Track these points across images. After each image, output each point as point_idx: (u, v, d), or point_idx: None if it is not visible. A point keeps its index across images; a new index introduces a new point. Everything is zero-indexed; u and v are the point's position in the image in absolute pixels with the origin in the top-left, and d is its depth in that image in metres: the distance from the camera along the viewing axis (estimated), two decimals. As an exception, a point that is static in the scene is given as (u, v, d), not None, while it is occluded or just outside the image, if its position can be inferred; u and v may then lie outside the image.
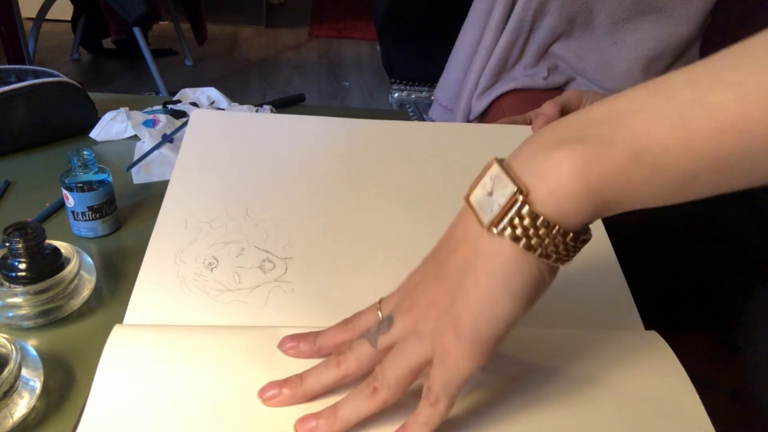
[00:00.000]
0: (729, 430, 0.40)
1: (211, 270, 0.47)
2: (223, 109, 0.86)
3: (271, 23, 3.43)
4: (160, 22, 2.76)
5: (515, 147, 0.32)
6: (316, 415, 0.35)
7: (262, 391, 0.37)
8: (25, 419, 0.41)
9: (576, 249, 0.31)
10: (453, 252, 0.33)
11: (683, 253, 0.62)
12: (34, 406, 0.42)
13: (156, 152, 0.73)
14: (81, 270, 0.51)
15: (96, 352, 0.38)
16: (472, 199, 0.32)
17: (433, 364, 0.33)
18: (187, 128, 0.60)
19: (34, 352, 0.43)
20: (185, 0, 2.49)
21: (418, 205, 0.54)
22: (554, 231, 0.29)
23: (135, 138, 0.79)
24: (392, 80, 1.73)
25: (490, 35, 1.19)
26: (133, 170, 0.71)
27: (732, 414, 0.52)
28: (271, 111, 0.87)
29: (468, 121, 1.27)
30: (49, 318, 0.49)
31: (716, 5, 1.14)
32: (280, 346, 0.40)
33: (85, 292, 0.51)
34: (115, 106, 0.82)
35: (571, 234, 0.30)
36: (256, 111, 0.85)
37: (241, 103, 0.89)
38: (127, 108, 0.81)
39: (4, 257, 0.48)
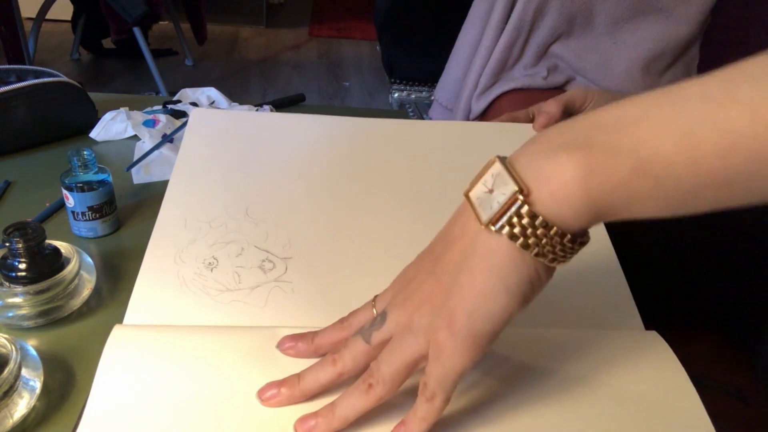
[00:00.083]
0: (729, 430, 0.40)
1: (211, 270, 0.47)
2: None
3: (271, 23, 3.43)
4: (160, 22, 2.77)
5: (515, 146, 0.32)
6: (314, 414, 0.35)
7: (260, 392, 0.37)
8: (25, 419, 0.41)
9: (573, 251, 0.31)
10: (450, 247, 0.33)
11: (684, 252, 0.62)
12: (34, 406, 0.42)
13: (156, 152, 0.73)
14: (81, 270, 0.51)
15: (96, 352, 0.38)
16: (472, 195, 0.32)
17: (428, 360, 0.33)
18: (187, 127, 0.60)
19: (34, 352, 0.43)
20: (185, 0, 2.49)
21: (419, 204, 0.54)
22: (552, 232, 0.30)
23: (135, 138, 0.79)
24: (392, 80, 1.73)
25: (490, 35, 1.19)
26: (133, 170, 0.71)
27: (732, 414, 0.52)
28: (271, 111, 0.87)
29: (468, 120, 1.27)
30: (49, 318, 0.49)
31: (716, 5, 1.13)
32: (279, 346, 0.40)
33: (85, 292, 0.51)
34: (115, 106, 0.82)
35: (569, 236, 0.30)
36: (256, 111, 0.85)
37: (241, 103, 0.89)
38: (127, 108, 0.81)
39: (4, 257, 0.48)
